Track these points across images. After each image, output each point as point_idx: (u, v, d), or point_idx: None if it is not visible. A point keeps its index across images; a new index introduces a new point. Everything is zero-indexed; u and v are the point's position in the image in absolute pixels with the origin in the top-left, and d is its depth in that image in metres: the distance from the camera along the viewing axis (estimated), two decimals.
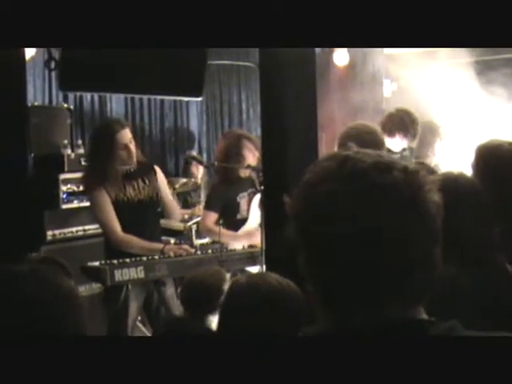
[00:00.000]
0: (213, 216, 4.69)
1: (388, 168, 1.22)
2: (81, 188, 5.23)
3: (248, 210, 4.76)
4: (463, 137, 5.59)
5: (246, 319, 2.14)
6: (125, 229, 4.33)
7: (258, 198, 4.62)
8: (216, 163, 4.91)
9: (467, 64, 6.28)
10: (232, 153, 4.70)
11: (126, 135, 4.34)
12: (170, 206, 4.67)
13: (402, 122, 4.86)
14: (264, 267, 3.83)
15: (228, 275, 3.01)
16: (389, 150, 5.23)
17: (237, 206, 4.77)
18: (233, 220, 4.74)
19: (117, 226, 4.33)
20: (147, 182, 4.47)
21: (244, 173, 4.72)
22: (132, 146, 4.35)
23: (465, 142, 5.25)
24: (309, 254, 1.26)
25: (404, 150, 5.24)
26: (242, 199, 4.77)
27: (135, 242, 4.31)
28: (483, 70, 6.39)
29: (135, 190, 4.41)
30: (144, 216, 4.42)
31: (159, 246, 4.35)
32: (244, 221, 4.77)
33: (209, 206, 4.78)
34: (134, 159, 4.37)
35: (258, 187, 4.31)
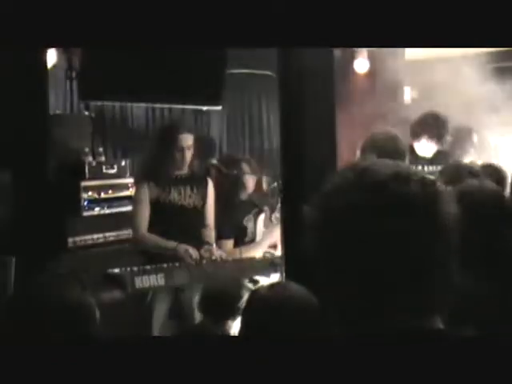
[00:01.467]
0: (229, 243, 4.78)
1: (406, 179, 1.23)
2: (102, 195, 5.31)
3: (255, 231, 4.87)
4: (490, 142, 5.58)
5: (266, 327, 2.16)
6: (159, 229, 4.42)
7: (262, 217, 4.83)
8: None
9: (490, 69, 6.26)
10: (233, 179, 4.85)
11: (186, 140, 4.45)
12: (208, 219, 4.67)
13: (428, 125, 4.84)
14: (284, 276, 3.83)
15: (246, 282, 3.03)
16: (416, 156, 5.22)
17: (244, 229, 4.86)
18: (243, 244, 4.83)
19: (142, 224, 4.42)
20: (195, 190, 4.56)
21: (245, 195, 4.89)
22: (188, 152, 4.46)
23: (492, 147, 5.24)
24: (327, 263, 1.28)
25: (437, 153, 5.23)
26: (249, 222, 4.86)
27: (151, 240, 4.40)
28: (506, 75, 6.37)
29: (180, 195, 4.49)
30: (183, 221, 4.48)
31: (173, 244, 4.37)
32: (252, 242, 4.87)
33: (222, 236, 4.81)
34: (186, 165, 4.48)
35: (262, 207, 4.54)
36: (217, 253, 4.49)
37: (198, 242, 4.53)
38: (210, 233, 4.64)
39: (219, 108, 5.01)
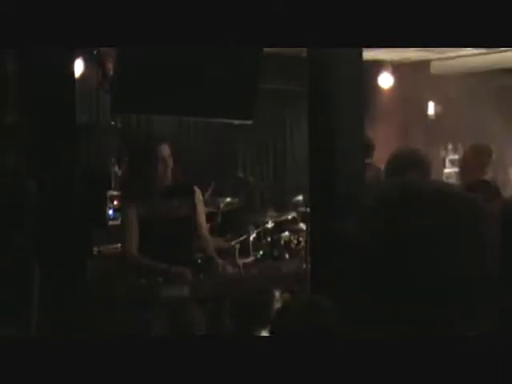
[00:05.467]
0: None
1: (450, 196, 1.23)
2: None
3: None
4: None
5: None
6: (149, 248, 4.25)
7: None
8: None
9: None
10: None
11: (165, 150, 4.30)
12: (201, 228, 4.53)
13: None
14: (310, 289, 3.83)
15: (277, 294, 3.02)
16: None
17: None
18: None
19: (132, 246, 4.26)
20: (182, 201, 4.39)
21: None
22: (170, 162, 4.31)
23: None
24: (368, 277, 1.27)
25: None
26: None
27: (142, 263, 4.24)
28: None
29: (168, 209, 4.33)
30: (175, 235, 4.32)
31: (164, 266, 4.18)
32: None
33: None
34: (170, 176, 4.32)
35: None
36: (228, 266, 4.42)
37: (191, 256, 4.46)
38: (207, 244, 4.53)
39: (250, 122, 4.97)
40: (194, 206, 4.43)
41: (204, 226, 4.58)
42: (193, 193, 4.48)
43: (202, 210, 4.55)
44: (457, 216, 1.22)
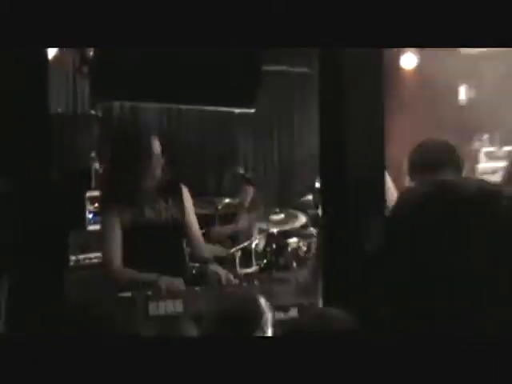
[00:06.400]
0: None
1: (493, 196, 1.29)
2: None
3: None
4: None
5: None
6: (135, 259, 4.28)
7: None
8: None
9: None
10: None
11: (156, 146, 4.34)
12: (192, 232, 4.58)
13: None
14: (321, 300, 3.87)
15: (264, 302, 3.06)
16: None
17: None
18: None
19: (114, 257, 4.28)
20: (170, 202, 4.44)
21: None
22: (161, 160, 4.35)
23: None
24: (399, 279, 1.33)
25: None
26: None
27: (126, 275, 4.25)
28: None
29: (155, 211, 4.39)
30: (163, 241, 4.37)
31: (153, 276, 4.18)
32: None
33: None
34: (160, 175, 4.36)
35: None
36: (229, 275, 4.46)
37: (184, 266, 4.51)
38: (200, 250, 4.59)
39: (252, 111, 4.95)
40: (182, 207, 4.48)
41: (195, 228, 4.60)
42: (181, 191, 4.52)
43: (191, 211, 4.58)
44: (500, 217, 1.27)
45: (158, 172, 4.34)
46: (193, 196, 4.65)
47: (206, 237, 5.90)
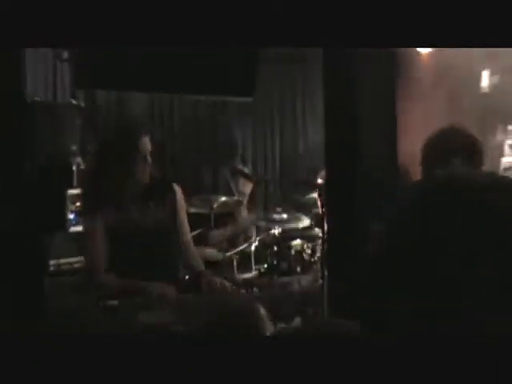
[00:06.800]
0: None
1: (504, 188, 1.36)
2: None
3: None
4: None
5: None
6: (121, 266, 4.28)
7: None
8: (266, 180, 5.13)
9: None
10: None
11: (146, 144, 4.34)
12: (181, 237, 4.59)
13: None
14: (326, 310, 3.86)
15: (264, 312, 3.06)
16: None
17: None
18: None
19: (99, 265, 4.29)
20: (161, 203, 4.45)
21: None
22: (149, 159, 4.34)
23: None
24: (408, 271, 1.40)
25: None
26: None
27: (113, 283, 4.25)
28: None
29: (144, 215, 4.39)
30: (153, 246, 4.37)
31: (143, 283, 4.21)
32: None
33: None
34: (148, 175, 4.35)
35: None
36: (219, 280, 4.45)
37: (176, 272, 4.51)
38: (190, 255, 4.61)
39: (250, 99, 4.97)
40: (175, 210, 4.49)
41: (186, 232, 4.61)
42: (174, 192, 4.53)
43: (184, 215, 4.59)
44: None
45: (148, 170, 4.34)
46: (187, 194, 4.65)
47: (203, 240, 5.89)
